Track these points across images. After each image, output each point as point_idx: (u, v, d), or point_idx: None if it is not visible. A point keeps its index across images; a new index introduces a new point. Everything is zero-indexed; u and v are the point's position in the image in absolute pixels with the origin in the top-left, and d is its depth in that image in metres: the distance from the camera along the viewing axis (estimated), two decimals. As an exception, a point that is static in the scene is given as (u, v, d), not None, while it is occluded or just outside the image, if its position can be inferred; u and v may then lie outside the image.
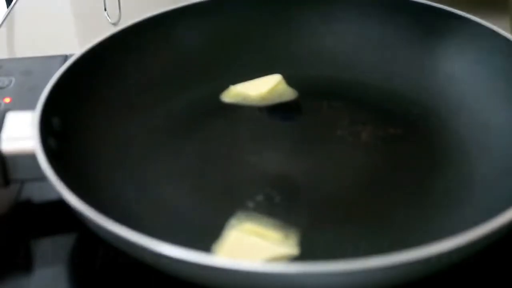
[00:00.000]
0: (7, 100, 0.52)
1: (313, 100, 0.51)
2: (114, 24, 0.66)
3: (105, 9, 0.67)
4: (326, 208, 0.41)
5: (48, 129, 0.39)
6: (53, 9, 0.72)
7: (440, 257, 0.31)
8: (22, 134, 0.39)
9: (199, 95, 0.50)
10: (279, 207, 0.41)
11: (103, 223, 0.33)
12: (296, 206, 0.41)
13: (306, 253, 0.37)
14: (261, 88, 0.50)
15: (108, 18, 0.67)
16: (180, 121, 0.48)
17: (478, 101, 0.47)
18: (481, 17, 0.48)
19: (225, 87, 0.51)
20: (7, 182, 0.40)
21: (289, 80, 0.52)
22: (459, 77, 0.49)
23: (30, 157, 0.37)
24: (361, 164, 0.44)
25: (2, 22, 0.69)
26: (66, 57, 0.55)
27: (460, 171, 0.43)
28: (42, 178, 0.36)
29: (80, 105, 0.44)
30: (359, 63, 0.52)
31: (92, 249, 0.38)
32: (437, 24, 0.50)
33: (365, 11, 0.53)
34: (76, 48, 0.47)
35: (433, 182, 0.43)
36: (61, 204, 0.35)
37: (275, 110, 0.50)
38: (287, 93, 0.50)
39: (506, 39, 0.46)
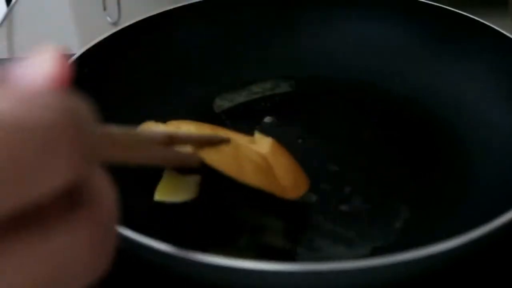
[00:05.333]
0: (7, 100, 0.52)
1: (313, 100, 0.51)
2: (114, 24, 0.66)
3: (105, 9, 0.67)
4: (326, 208, 0.41)
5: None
6: (53, 9, 0.72)
7: (439, 257, 0.31)
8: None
9: (199, 95, 0.50)
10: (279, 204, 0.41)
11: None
12: (295, 205, 0.41)
13: (308, 257, 0.37)
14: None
15: (108, 18, 0.67)
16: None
17: (479, 101, 0.47)
18: (481, 17, 0.48)
19: (225, 87, 0.51)
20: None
21: (289, 80, 0.52)
22: (459, 76, 0.49)
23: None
24: (361, 164, 0.44)
25: (2, 22, 0.69)
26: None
27: (460, 172, 0.43)
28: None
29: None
30: (359, 63, 0.52)
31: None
32: (438, 23, 0.50)
33: (365, 11, 0.53)
34: (76, 48, 0.47)
35: (433, 182, 0.43)
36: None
37: (274, 110, 0.50)
38: None
39: (506, 39, 0.46)
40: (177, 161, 0.35)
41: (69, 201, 0.16)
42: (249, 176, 0.37)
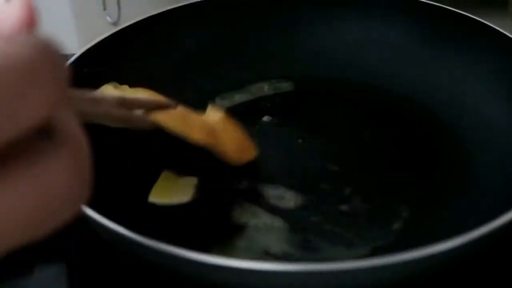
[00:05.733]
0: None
1: (313, 100, 0.51)
2: (114, 24, 0.66)
3: (104, 9, 0.67)
4: (326, 208, 0.41)
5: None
6: (53, 9, 0.72)
7: (439, 257, 0.31)
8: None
9: (199, 94, 0.50)
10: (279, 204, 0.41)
11: (104, 222, 0.33)
12: (294, 205, 0.41)
13: (308, 257, 0.37)
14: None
15: (108, 18, 0.67)
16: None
17: (479, 100, 0.47)
18: (481, 17, 0.48)
19: (225, 86, 0.51)
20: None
21: (289, 80, 0.52)
22: (460, 76, 0.49)
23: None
24: (362, 164, 0.44)
25: (2, 22, 0.69)
26: (66, 57, 0.55)
27: (460, 171, 0.43)
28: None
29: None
30: (359, 63, 0.52)
31: (92, 249, 0.38)
32: (438, 23, 0.50)
33: (366, 11, 0.53)
34: (76, 48, 0.47)
35: (433, 182, 0.43)
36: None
37: (274, 110, 0.50)
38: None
39: (507, 38, 0.46)
40: (129, 122, 0.38)
41: (46, 136, 0.18)
42: (195, 133, 0.39)
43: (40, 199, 0.18)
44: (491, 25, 0.47)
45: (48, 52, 0.17)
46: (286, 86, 0.52)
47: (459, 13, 0.49)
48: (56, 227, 0.19)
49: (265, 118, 0.49)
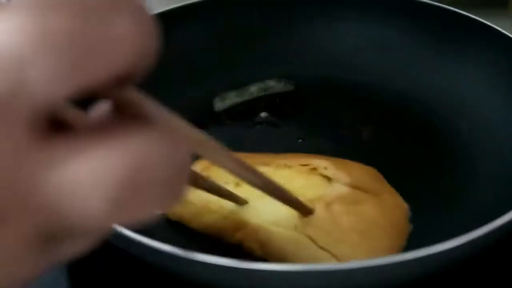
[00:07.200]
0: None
1: (313, 100, 0.51)
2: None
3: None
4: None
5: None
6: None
7: (440, 257, 0.31)
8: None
9: (199, 95, 0.50)
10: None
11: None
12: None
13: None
14: None
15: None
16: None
17: (479, 101, 0.47)
18: (481, 17, 0.48)
19: (225, 87, 0.51)
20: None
21: (289, 80, 0.52)
22: (459, 76, 0.49)
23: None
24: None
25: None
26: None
27: (460, 171, 0.43)
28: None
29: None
30: (359, 63, 0.52)
31: (92, 249, 0.38)
32: (438, 23, 0.50)
33: (365, 11, 0.53)
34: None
35: (433, 182, 0.43)
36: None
37: (274, 110, 0.50)
38: None
39: (507, 39, 0.46)
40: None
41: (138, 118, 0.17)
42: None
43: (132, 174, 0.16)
44: (491, 25, 0.47)
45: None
46: (286, 86, 0.52)
47: (459, 13, 0.49)
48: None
49: (263, 114, 0.49)
